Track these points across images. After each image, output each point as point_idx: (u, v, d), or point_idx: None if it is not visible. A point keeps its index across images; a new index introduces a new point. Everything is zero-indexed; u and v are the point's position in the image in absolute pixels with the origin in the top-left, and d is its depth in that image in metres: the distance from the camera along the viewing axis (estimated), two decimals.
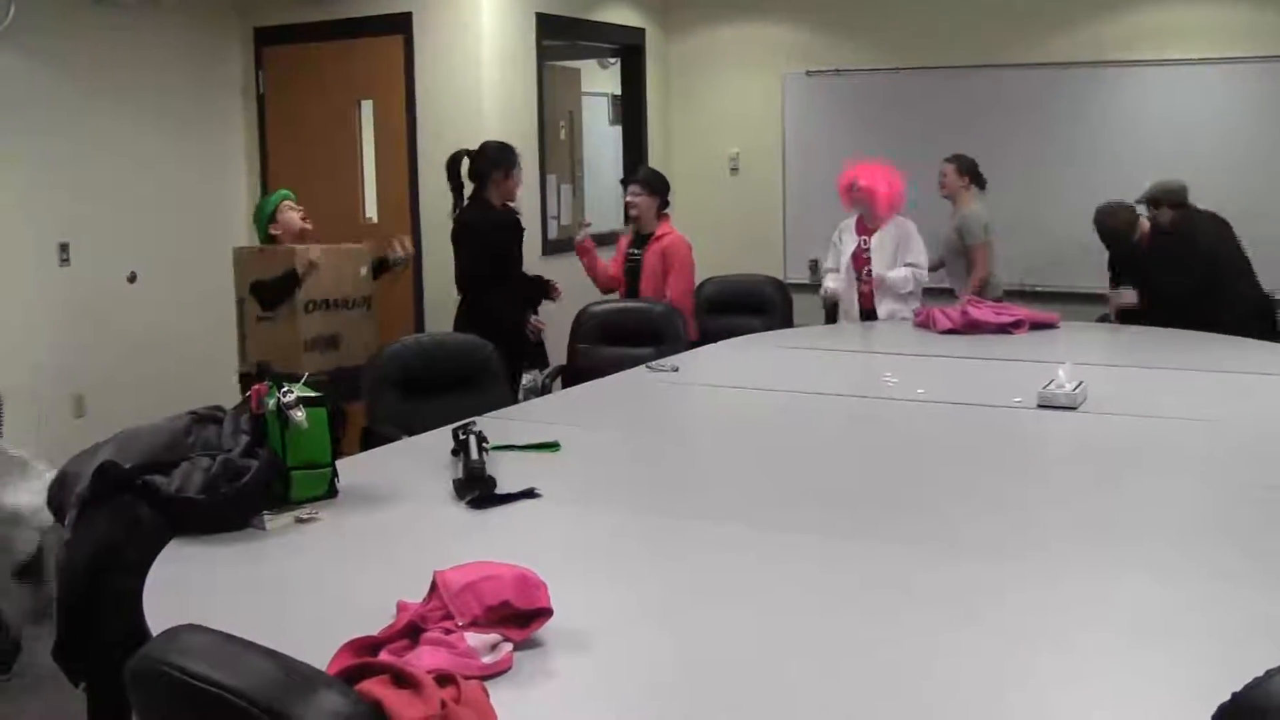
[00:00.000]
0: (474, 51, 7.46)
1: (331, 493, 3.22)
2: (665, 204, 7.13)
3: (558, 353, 6.60)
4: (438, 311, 7.49)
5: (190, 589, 2.61)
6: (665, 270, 6.86)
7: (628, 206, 7.07)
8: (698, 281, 7.86)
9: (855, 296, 6.98)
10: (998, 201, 7.55)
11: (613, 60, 9.76)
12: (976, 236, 7.33)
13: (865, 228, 6.97)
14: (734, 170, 9.38)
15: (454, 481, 3.34)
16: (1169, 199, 6.76)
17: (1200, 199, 7.06)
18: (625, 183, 7.31)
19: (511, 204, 6.57)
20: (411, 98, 7.63)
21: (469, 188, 6.49)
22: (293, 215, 6.15)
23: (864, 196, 6.87)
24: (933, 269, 7.22)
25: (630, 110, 9.37)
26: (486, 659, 2.12)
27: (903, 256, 6.88)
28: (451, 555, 2.40)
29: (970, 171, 7.48)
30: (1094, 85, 8.17)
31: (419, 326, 7.62)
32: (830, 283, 7.16)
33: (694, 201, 9.42)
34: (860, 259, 6.96)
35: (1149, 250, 6.65)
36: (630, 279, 7.00)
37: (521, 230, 6.62)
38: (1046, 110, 8.27)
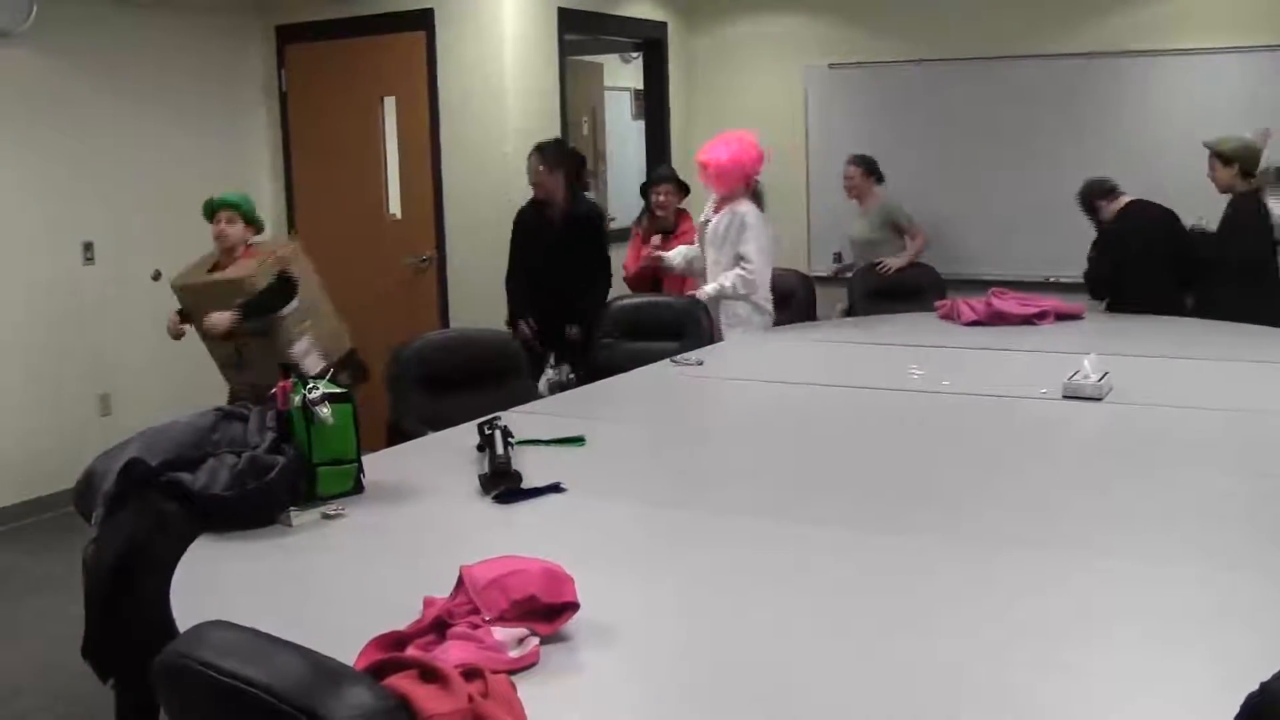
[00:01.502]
0: (496, 47, 7.46)
1: (357, 488, 3.23)
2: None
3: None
4: (462, 306, 7.51)
5: (217, 585, 2.62)
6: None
7: (659, 206, 7.15)
8: None
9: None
10: (1020, 193, 7.52)
11: (635, 55, 9.75)
12: (909, 216, 7.88)
13: (719, 206, 6.46)
14: None
15: (480, 476, 3.34)
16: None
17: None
18: (651, 183, 7.37)
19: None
20: (434, 94, 7.64)
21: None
22: (228, 231, 5.76)
23: (705, 172, 6.38)
24: (846, 270, 7.60)
25: (653, 105, 9.36)
26: (513, 653, 2.12)
27: (733, 247, 6.27)
28: (478, 550, 2.40)
29: (874, 170, 7.86)
30: (1118, 75, 8.12)
31: (444, 322, 7.63)
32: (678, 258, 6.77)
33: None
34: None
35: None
36: (654, 274, 7.03)
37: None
38: (1070, 101, 8.22)
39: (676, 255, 6.73)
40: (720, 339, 6.15)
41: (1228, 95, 7.85)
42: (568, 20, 7.95)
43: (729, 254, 6.25)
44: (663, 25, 9.13)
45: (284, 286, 5.68)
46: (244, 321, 5.61)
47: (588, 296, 6.68)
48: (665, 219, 7.16)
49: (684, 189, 7.23)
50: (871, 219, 7.94)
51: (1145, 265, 6.74)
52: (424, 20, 7.60)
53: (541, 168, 6.76)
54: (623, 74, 10.53)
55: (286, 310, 5.69)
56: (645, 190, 7.38)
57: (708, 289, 6.27)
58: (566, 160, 6.87)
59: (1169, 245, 6.82)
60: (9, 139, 6.71)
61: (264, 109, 8.27)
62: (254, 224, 5.91)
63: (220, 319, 5.61)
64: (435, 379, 4.83)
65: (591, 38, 8.93)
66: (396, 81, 7.82)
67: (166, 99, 7.50)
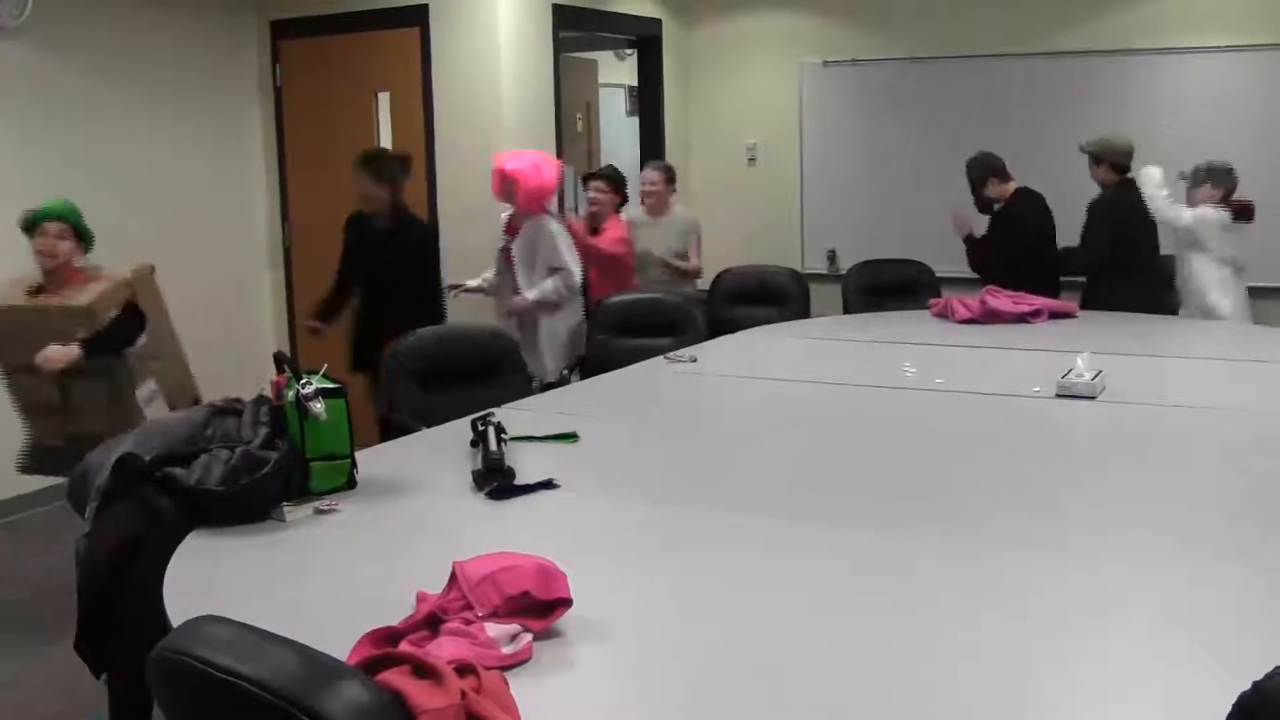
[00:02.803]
0: (491, 43, 7.46)
1: (351, 484, 3.23)
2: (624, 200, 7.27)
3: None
4: (456, 301, 7.50)
5: (211, 580, 2.62)
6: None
7: (592, 202, 7.11)
8: (716, 271, 7.88)
9: (506, 305, 6.55)
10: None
11: (629, 51, 9.76)
12: (698, 232, 7.59)
13: (514, 225, 6.45)
14: (751, 161, 9.37)
15: (473, 472, 3.35)
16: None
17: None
18: (588, 179, 7.32)
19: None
20: (428, 90, 7.64)
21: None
22: (58, 248, 5.08)
23: (511, 185, 6.26)
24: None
25: (647, 101, 9.36)
26: (506, 649, 2.12)
27: (545, 261, 6.33)
28: (471, 546, 2.40)
29: (674, 179, 7.65)
30: (1114, 74, 8.13)
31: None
32: (480, 282, 6.72)
33: (711, 192, 9.43)
34: (509, 257, 6.47)
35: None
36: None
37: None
38: (1066, 99, 8.23)
39: (474, 281, 6.70)
40: (540, 336, 6.38)
41: (1227, 94, 7.87)
42: (562, 16, 7.94)
43: (541, 268, 6.34)
44: (657, 22, 9.13)
45: (133, 319, 5.07)
46: (87, 359, 4.90)
47: (397, 317, 5.87)
48: (598, 215, 7.05)
49: (619, 190, 7.12)
50: (674, 231, 7.44)
51: (1043, 251, 7.16)
52: (418, 16, 7.60)
53: (366, 180, 6.32)
54: (617, 70, 10.54)
55: (133, 348, 5.06)
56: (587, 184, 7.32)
57: (530, 294, 6.34)
58: (390, 172, 6.37)
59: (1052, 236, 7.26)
60: (4, 132, 6.70)
61: (258, 104, 8.26)
62: (85, 240, 5.17)
63: (59, 354, 4.85)
64: (429, 374, 4.83)
65: (586, 34, 8.93)
66: (391, 77, 7.82)
67: (161, 93, 7.49)
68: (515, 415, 4.00)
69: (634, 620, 2.36)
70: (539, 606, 2.23)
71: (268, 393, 3.26)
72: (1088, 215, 6.85)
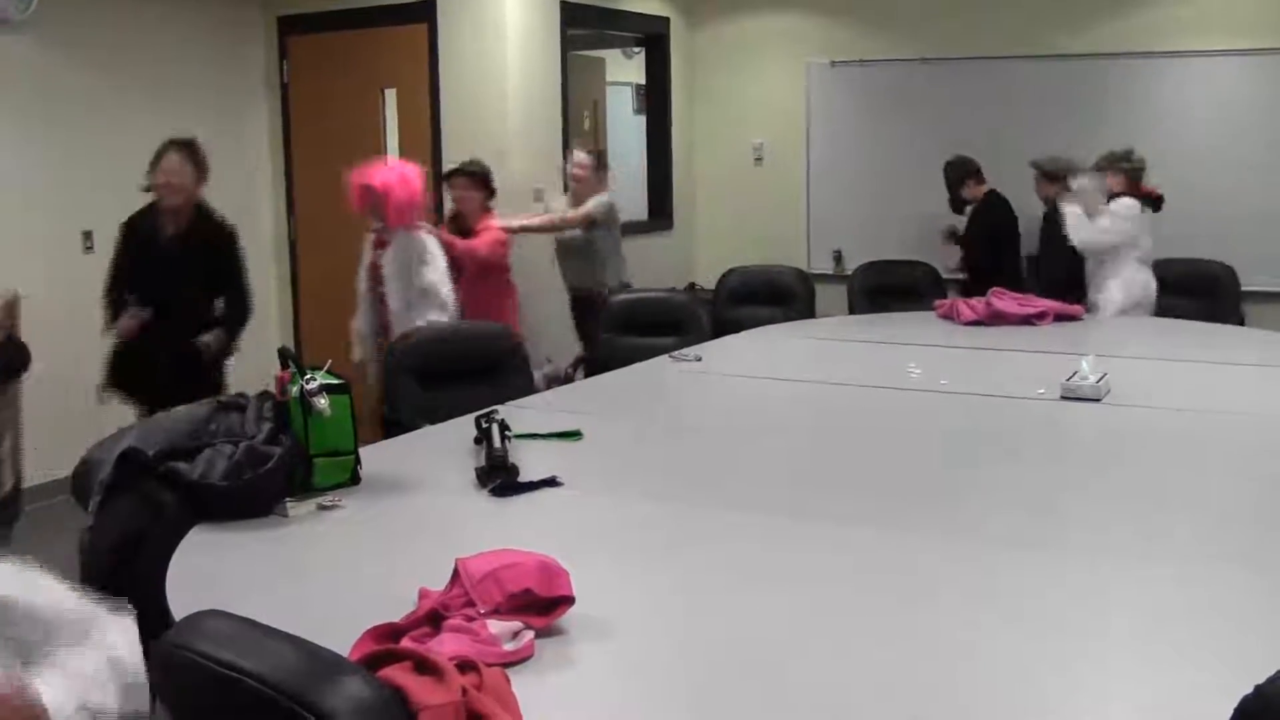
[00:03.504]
0: (498, 40, 7.45)
1: (354, 480, 3.23)
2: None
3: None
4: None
5: (213, 575, 2.62)
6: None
7: (456, 201, 6.79)
8: (720, 272, 7.87)
9: (374, 323, 6.04)
10: (1022, 193, 7.51)
11: (637, 50, 9.75)
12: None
13: (381, 240, 5.99)
14: (758, 160, 9.36)
15: (476, 470, 3.34)
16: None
17: (1234, 190, 7.12)
18: (447, 177, 6.91)
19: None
20: (435, 86, 7.63)
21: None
22: None
23: (379, 200, 5.80)
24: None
25: (654, 100, 9.36)
26: (508, 646, 2.12)
27: (419, 276, 5.82)
28: (473, 543, 2.40)
29: (605, 166, 7.34)
30: (1122, 76, 8.12)
31: None
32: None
33: (718, 191, 9.43)
34: (377, 274, 5.97)
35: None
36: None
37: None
38: (1073, 101, 8.21)
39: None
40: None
41: (1234, 98, 7.86)
42: (570, 14, 7.94)
43: (416, 283, 5.81)
44: (665, 20, 9.12)
45: (16, 353, 4.90)
46: None
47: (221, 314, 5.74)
48: (464, 216, 6.69)
49: (485, 186, 6.73)
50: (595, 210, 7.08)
51: (1001, 252, 7.49)
52: (426, 12, 7.59)
53: (189, 168, 5.74)
54: (625, 69, 10.53)
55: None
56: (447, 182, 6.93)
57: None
58: (203, 165, 5.81)
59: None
60: (9, 127, 6.71)
61: (265, 100, 8.27)
62: None
63: None
64: (433, 372, 4.83)
65: (594, 32, 8.93)
66: (398, 74, 7.82)
67: (167, 89, 7.49)
68: (519, 413, 4.00)
69: (636, 618, 2.36)
70: (541, 604, 2.23)
71: (272, 388, 3.27)
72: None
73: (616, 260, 7.20)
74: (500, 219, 6.77)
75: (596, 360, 6.18)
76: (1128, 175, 6.70)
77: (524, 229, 6.99)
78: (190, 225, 5.70)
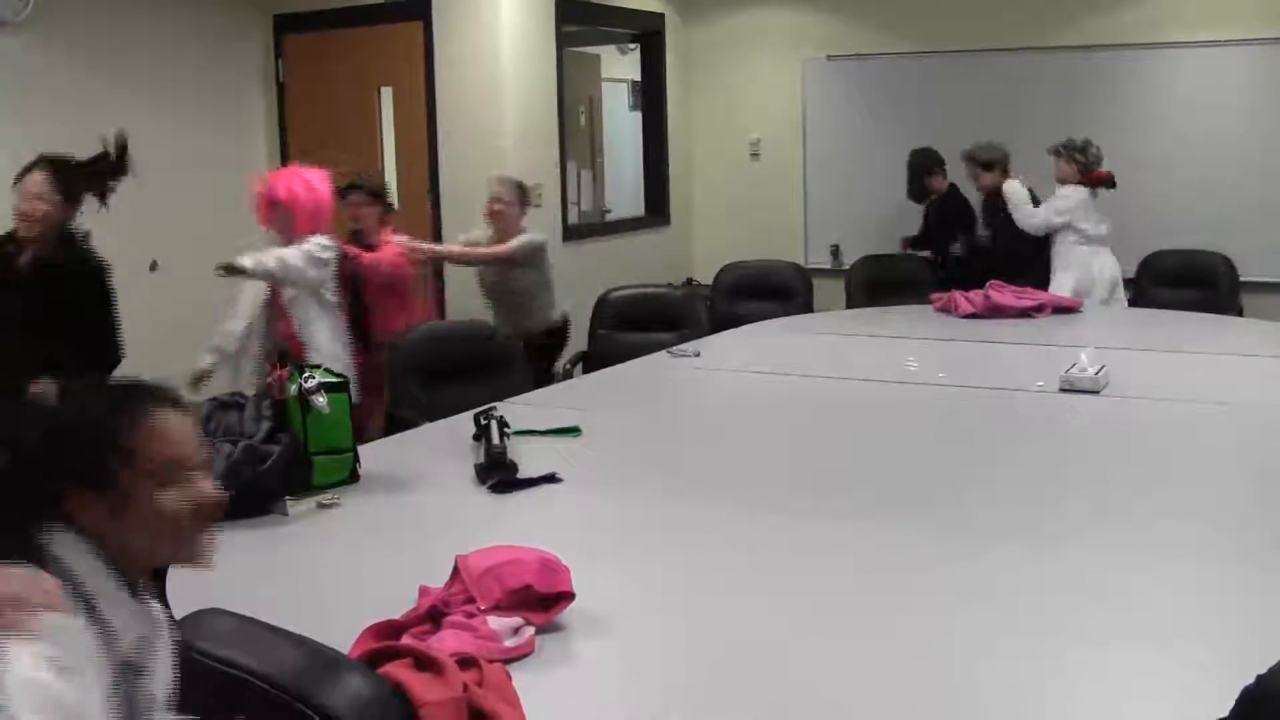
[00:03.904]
0: (493, 37, 7.45)
1: (353, 478, 3.23)
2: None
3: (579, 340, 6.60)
4: (459, 297, 7.50)
5: (213, 574, 2.61)
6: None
7: (352, 219, 6.10)
8: (718, 267, 7.87)
9: (260, 347, 5.33)
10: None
11: (632, 46, 9.75)
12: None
13: None
14: (754, 156, 9.35)
15: (476, 466, 3.35)
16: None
17: (1233, 181, 7.10)
18: (343, 193, 6.09)
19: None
20: (431, 84, 7.63)
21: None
22: None
23: (285, 212, 5.26)
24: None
25: (650, 96, 9.35)
26: (509, 642, 2.12)
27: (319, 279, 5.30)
28: (473, 539, 2.40)
29: (527, 199, 6.68)
30: (1120, 68, 8.10)
31: (440, 313, 7.62)
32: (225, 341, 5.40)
33: (714, 187, 9.43)
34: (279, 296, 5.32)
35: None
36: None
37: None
38: (1071, 94, 8.20)
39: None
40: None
41: (1235, 89, 7.83)
42: (565, 11, 7.93)
43: (319, 294, 5.28)
44: (660, 17, 9.11)
45: None
46: None
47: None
48: (363, 233, 6.04)
49: (380, 200, 6.18)
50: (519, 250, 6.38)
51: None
52: (422, 10, 7.59)
53: (51, 191, 5.02)
54: (620, 65, 10.52)
55: None
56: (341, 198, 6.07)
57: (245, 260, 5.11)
58: (75, 188, 5.11)
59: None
60: (5, 127, 6.69)
61: (261, 99, 8.26)
62: None
63: None
64: (432, 370, 4.83)
65: (589, 29, 8.92)
66: (394, 72, 7.81)
67: (164, 88, 7.48)
68: (518, 409, 4.00)
69: (636, 614, 2.36)
70: (541, 600, 2.23)
71: (270, 386, 3.27)
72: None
73: (544, 300, 6.48)
74: (411, 241, 6.25)
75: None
76: (1080, 166, 6.97)
77: (436, 255, 6.75)
78: (51, 256, 4.88)
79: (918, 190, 7.79)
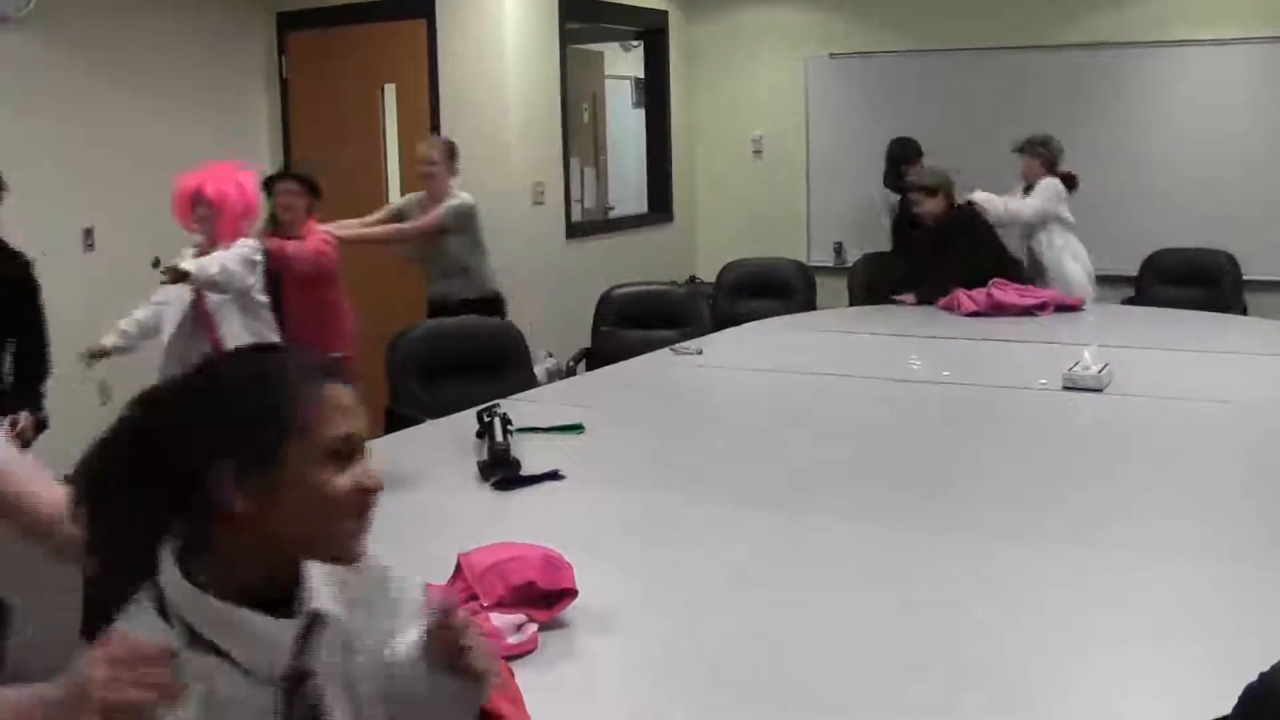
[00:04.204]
0: (497, 34, 7.45)
1: None
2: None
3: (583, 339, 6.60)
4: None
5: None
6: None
7: (282, 208, 5.89)
8: (720, 265, 7.87)
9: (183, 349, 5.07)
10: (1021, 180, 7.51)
11: (635, 43, 9.75)
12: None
13: (205, 253, 5.08)
14: (757, 153, 9.35)
15: (479, 463, 3.35)
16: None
17: (1236, 179, 7.10)
18: (273, 181, 6.05)
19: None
20: (435, 81, 7.62)
21: None
22: None
23: (212, 213, 5.06)
24: None
25: (653, 93, 9.35)
26: (512, 639, 2.12)
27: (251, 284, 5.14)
28: (476, 537, 2.40)
29: (455, 155, 6.58)
30: (1123, 66, 8.09)
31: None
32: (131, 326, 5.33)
33: (717, 185, 9.42)
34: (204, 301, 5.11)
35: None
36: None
37: None
38: (1074, 92, 8.19)
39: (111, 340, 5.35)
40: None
41: (1240, 87, 7.82)
42: (569, 8, 7.93)
43: (246, 301, 5.13)
44: (663, 14, 9.11)
45: None
46: None
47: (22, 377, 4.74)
48: (290, 223, 5.85)
49: (313, 192, 5.98)
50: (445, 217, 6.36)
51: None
52: (425, 7, 7.58)
53: None
54: (623, 62, 10.52)
55: None
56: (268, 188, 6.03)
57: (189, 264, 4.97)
58: None
59: None
60: (8, 124, 6.70)
61: (265, 96, 8.26)
62: None
63: None
64: (435, 366, 4.83)
65: (592, 26, 8.92)
66: (397, 69, 7.81)
67: (167, 85, 7.48)
68: (521, 407, 4.00)
69: (639, 610, 2.36)
70: (544, 597, 2.23)
71: None
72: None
73: (479, 266, 6.45)
74: (332, 226, 6.11)
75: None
76: (1044, 160, 6.99)
77: (362, 238, 6.41)
78: None
79: (894, 177, 7.76)
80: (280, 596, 1.51)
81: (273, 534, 1.48)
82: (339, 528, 1.53)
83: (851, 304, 7.45)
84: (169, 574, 1.47)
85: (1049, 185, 6.91)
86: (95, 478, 1.50)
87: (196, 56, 7.70)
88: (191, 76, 7.66)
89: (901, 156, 7.75)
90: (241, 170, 5.21)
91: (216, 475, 1.44)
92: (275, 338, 5.11)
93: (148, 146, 7.39)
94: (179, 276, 4.88)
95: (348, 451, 1.51)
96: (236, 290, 5.03)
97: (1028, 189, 7.01)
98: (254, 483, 1.45)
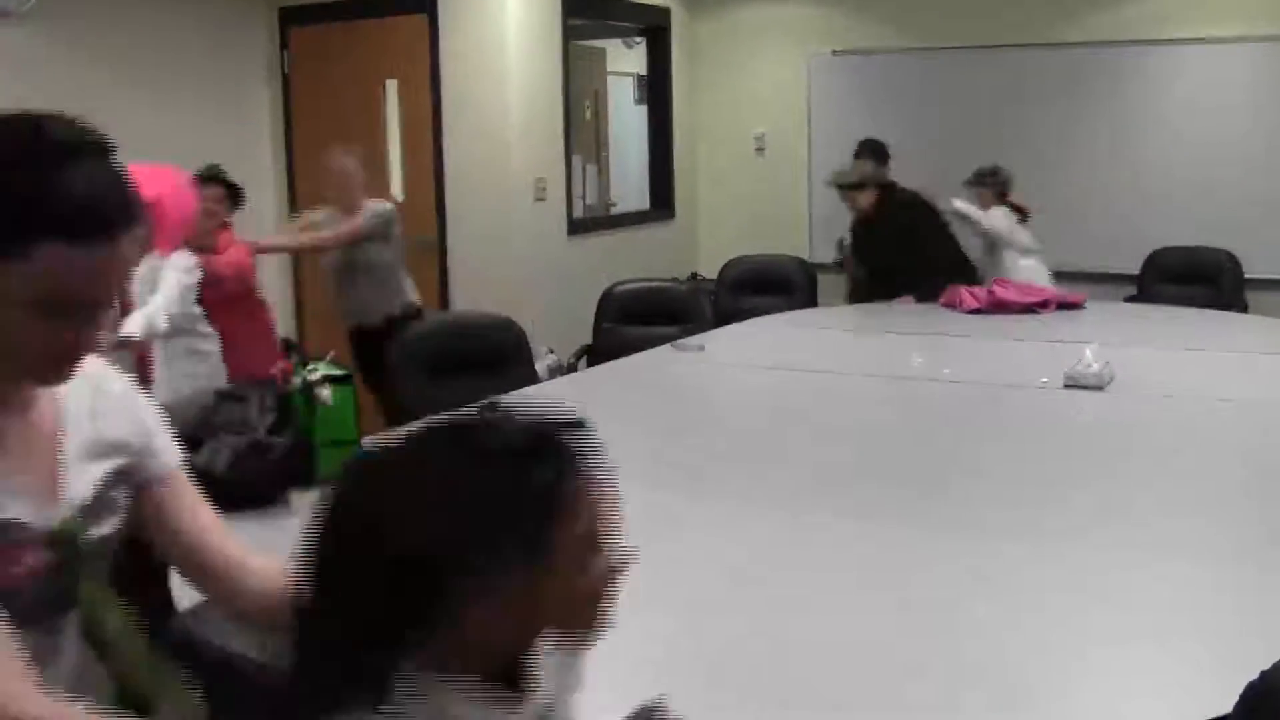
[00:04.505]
0: (499, 30, 7.44)
1: None
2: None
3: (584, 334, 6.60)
4: (462, 290, 7.50)
5: None
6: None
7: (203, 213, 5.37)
8: (722, 262, 7.87)
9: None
10: (1027, 182, 7.49)
11: (638, 40, 9.75)
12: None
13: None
14: (759, 150, 9.35)
15: None
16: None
17: (1237, 178, 7.10)
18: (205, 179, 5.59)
19: None
20: (436, 77, 7.62)
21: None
22: None
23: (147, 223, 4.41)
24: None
25: (655, 90, 9.35)
26: None
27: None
28: None
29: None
30: (1127, 64, 8.09)
31: (444, 305, 7.62)
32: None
33: (719, 181, 9.43)
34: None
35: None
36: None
37: None
38: (1078, 90, 8.19)
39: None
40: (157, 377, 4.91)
41: (1245, 86, 7.82)
42: (570, 4, 7.92)
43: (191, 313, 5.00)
44: (665, 11, 9.11)
45: None
46: None
47: None
48: (206, 233, 5.36)
49: (235, 199, 5.65)
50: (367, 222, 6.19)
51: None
52: (426, 2, 7.58)
53: None
54: (626, 59, 10.52)
55: None
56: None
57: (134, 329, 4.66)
58: None
59: None
60: None
61: (266, 91, 8.26)
62: None
63: None
64: (436, 362, 4.83)
65: (594, 22, 8.92)
66: (399, 64, 7.81)
67: (167, 80, 7.48)
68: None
69: (639, 606, 2.36)
70: None
71: (275, 379, 3.27)
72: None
73: (399, 279, 6.25)
74: (260, 243, 5.91)
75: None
76: (994, 190, 7.08)
77: (283, 249, 6.23)
78: None
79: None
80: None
81: (532, 625, 1.35)
82: (593, 618, 1.42)
83: (852, 301, 7.46)
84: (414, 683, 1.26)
85: (999, 214, 7.00)
86: (327, 568, 1.32)
87: (198, 51, 7.70)
88: (193, 71, 7.66)
89: (885, 158, 7.67)
90: (178, 173, 4.92)
91: (479, 571, 1.25)
92: (221, 367, 4.99)
93: (148, 142, 7.35)
94: (124, 344, 4.56)
95: (605, 537, 1.41)
96: (180, 330, 4.86)
97: None
98: (512, 590, 1.28)
